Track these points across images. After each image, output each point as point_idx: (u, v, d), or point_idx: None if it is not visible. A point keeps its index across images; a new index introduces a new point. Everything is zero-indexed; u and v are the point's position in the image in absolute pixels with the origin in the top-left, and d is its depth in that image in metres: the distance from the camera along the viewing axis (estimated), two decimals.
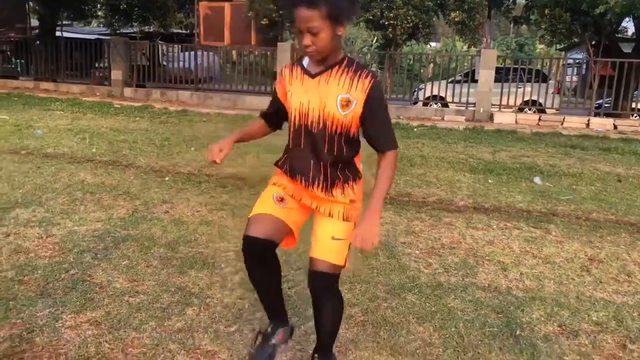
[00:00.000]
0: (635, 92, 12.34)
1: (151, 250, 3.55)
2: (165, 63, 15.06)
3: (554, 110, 12.46)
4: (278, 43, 13.16)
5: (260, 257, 2.08)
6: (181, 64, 14.28)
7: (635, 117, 11.97)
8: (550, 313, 2.89)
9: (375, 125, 1.96)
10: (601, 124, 11.01)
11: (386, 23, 13.14)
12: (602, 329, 2.74)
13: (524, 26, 19.41)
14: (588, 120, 11.14)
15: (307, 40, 1.84)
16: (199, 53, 14.38)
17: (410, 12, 13.16)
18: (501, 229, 4.27)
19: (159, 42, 17.15)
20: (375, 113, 1.94)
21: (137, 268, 3.26)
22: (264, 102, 12.69)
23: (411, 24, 13.55)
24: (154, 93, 13.58)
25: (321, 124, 1.95)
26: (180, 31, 21.40)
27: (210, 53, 14.90)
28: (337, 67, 1.94)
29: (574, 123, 11.12)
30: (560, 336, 2.66)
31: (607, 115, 11.77)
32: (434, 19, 15.49)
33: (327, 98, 1.92)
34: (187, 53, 14.80)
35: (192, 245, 3.66)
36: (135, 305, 2.81)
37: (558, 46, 17.65)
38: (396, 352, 2.46)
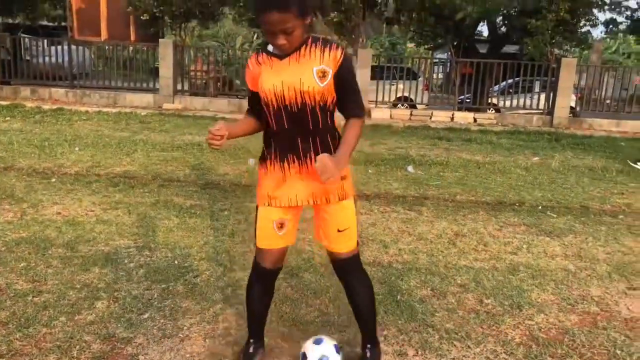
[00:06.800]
0: (491, 89, 13.90)
1: (48, 251, 3.54)
2: (29, 58, 13.98)
3: (423, 106, 13.60)
4: (159, 39, 12.89)
5: (268, 283, 2.29)
6: (49, 59, 13.35)
7: (491, 110, 13.49)
8: (424, 280, 3.39)
9: (347, 91, 2.04)
10: (463, 117, 12.29)
11: None
12: (465, 290, 3.29)
13: (396, 26, 20.79)
14: (452, 115, 12.38)
15: (281, 40, 1.89)
16: (72, 48, 13.56)
17: None
18: (381, 213, 4.78)
19: (22, 35, 15.87)
20: (346, 82, 2.02)
21: (36, 269, 3.26)
22: (146, 99, 12.42)
23: None
24: (22, 91, 12.61)
25: (300, 101, 1.97)
26: (47, 24, 19.91)
27: (81, 47, 14.13)
28: (304, 46, 1.99)
29: (441, 117, 12.29)
30: (433, 298, 3.16)
31: (468, 109, 13.13)
32: (313, 18, 16.00)
33: (303, 74, 1.96)
34: (57, 47, 13.87)
35: (92, 244, 3.70)
36: (41, 304, 2.84)
37: (425, 46, 19.17)
38: (298, 322, 2.79)
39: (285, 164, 2.08)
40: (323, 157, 1.90)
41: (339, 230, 2.14)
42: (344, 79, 2.02)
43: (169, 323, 2.72)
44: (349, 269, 2.24)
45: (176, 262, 3.47)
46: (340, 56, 1.98)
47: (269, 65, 2.02)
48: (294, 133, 2.04)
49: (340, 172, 1.93)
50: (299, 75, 1.96)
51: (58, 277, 3.17)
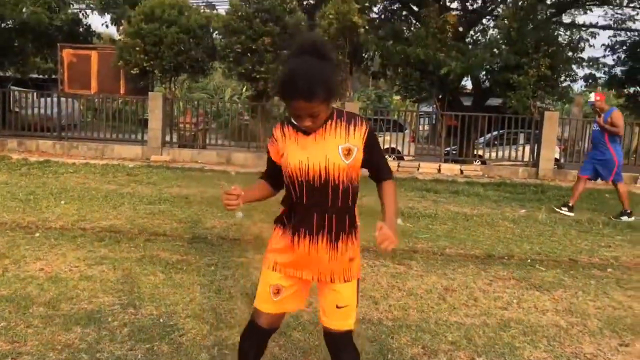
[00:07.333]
0: (476, 141, 14.14)
1: (29, 309, 3.44)
2: (17, 109, 14.05)
3: (410, 157, 13.77)
4: (149, 92, 13.05)
5: (261, 340, 2.28)
6: (37, 110, 13.40)
7: (477, 162, 13.68)
8: (415, 337, 3.33)
9: (376, 160, 2.13)
10: (450, 169, 12.43)
11: (257, 77, 13.74)
12: (456, 347, 3.23)
13: (382, 80, 21.31)
14: (439, 166, 12.52)
15: (307, 122, 1.96)
16: (61, 100, 13.67)
17: (280, 67, 13.59)
18: (371, 267, 4.74)
19: (11, 87, 16.00)
20: (374, 152, 2.11)
21: (16, 329, 3.16)
22: (134, 151, 12.43)
23: None
24: (9, 143, 12.59)
25: (323, 178, 2.02)
26: (37, 76, 20.13)
27: (70, 100, 14.25)
28: (329, 121, 2.05)
29: (428, 168, 12.42)
30: (424, 356, 3.10)
31: (454, 161, 13.31)
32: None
33: (329, 151, 2.02)
34: (46, 99, 13.96)
35: (75, 302, 3.60)
36: None
37: (411, 99, 19.60)
38: None
39: (296, 237, 2.09)
40: (383, 227, 1.96)
41: (337, 307, 2.14)
42: (372, 149, 2.10)
43: None
44: (341, 345, 2.21)
45: (161, 320, 3.38)
46: (366, 131, 2.07)
47: (294, 139, 2.07)
48: (312, 208, 2.06)
49: (397, 237, 2.00)
50: (325, 152, 2.02)
51: (38, 337, 3.07)
